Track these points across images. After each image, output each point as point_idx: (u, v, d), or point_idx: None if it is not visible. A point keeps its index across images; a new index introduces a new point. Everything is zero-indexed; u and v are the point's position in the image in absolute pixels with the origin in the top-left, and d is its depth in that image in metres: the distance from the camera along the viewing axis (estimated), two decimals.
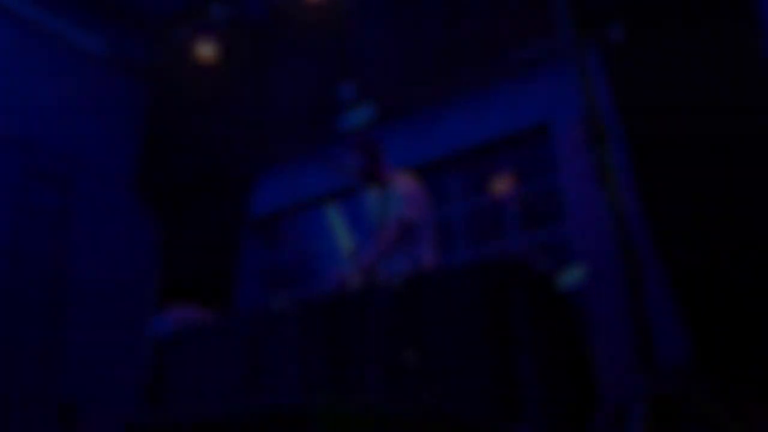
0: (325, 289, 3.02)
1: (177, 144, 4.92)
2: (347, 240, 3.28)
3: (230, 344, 2.83)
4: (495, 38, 4.09)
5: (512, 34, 4.07)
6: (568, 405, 2.50)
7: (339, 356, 2.49)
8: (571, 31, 3.68)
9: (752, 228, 3.21)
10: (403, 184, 3.23)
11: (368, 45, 4.45)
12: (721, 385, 3.01)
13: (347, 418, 2.18)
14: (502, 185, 4.78)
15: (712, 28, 3.44)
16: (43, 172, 4.18)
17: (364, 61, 4.42)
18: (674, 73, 3.52)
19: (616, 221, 3.27)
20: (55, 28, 4.42)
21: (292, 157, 5.28)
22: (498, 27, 4.11)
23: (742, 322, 3.15)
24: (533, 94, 4.67)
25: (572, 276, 3.93)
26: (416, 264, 3.07)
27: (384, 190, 3.26)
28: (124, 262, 4.52)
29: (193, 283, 4.50)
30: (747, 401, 2.78)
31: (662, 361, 3.30)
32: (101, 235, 4.43)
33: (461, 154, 4.95)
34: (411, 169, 3.59)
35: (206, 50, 4.45)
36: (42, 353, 3.90)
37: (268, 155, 5.14)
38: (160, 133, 4.99)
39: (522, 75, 4.70)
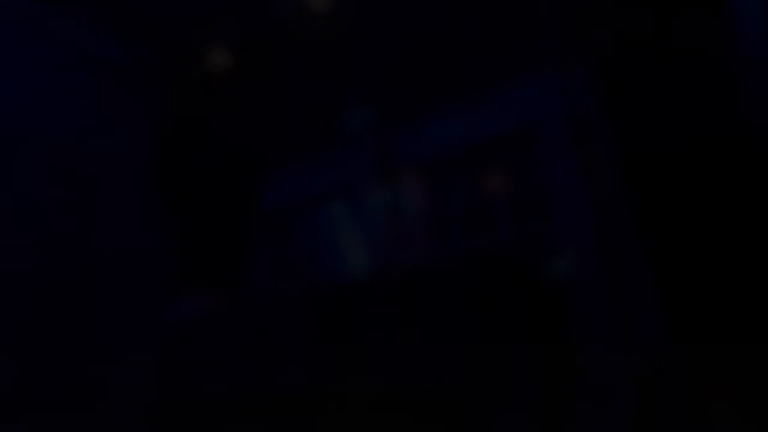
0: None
1: (193, 144, 5.16)
2: (354, 235, 3.45)
3: (242, 329, 2.97)
4: (487, 43, 4.28)
5: (502, 39, 4.26)
6: (554, 387, 2.68)
7: (343, 342, 2.65)
8: (558, 35, 3.87)
9: (736, 224, 3.36)
10: (406, 182, 3.41)
11: (370, 52, 4.68)
12: (701, 366, 3.13)
13: (350, 398, 2.33)
14: (494, 182, 4.98)
15: (697, 31, 3.60)
16: (68, 171, 4.39)
17: (367, 66, 4.66)
18: (661, 76, 3.67)
19: (600, 215, 3.47)
20: (79, 38, 4.64)
21: (301, 156, 5.52)
22: (490, 33, 4.30)
23: (722, 305, 3.30)
24: (523, 95, 4.87)
25: (558, 266, 4.12)
26: (415, 257, 3.25)
27: (388, 188, 3.43)
28: (144, 252, 4.73)
29: (207, 273, 4.74)
30: (725, 381, 2.91)
31: (643, 344, 3.48)
32: (123, 229, 4.63)
33: (457, 152, 5.16)
34: (412, 166, 3.77)
35: (219, 59, 4.68)
36: (68, 341, 4.10)
37: (279, 154, 5.39)
38: (177, 134, 5.23)
39: (512, 78, 4.91)
